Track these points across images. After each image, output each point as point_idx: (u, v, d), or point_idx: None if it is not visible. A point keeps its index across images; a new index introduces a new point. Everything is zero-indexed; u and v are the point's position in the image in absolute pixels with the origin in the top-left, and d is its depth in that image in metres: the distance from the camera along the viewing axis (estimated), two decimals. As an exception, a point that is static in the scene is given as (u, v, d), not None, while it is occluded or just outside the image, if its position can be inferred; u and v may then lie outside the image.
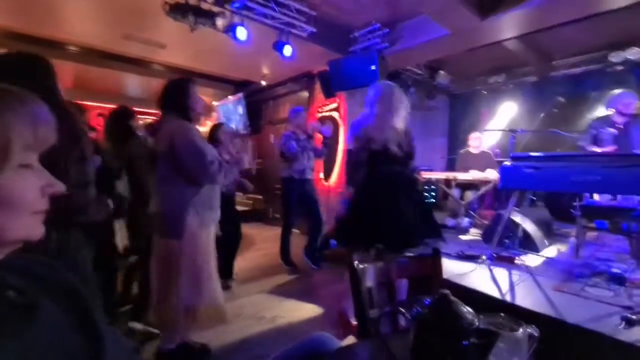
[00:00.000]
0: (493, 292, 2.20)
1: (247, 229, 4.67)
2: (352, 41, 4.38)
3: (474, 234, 4.06)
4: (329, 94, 4.86)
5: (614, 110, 3.38)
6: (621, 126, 3.34)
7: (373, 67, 4.11)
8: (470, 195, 4.46)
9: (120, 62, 5.11)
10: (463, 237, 3.93)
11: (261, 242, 4.79)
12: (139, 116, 2.47)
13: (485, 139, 5.15)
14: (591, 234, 3.60)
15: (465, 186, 4.55)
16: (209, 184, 1.67)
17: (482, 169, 4.41)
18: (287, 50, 3.63)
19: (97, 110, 7.11)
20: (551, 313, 1.88)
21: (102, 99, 7.05)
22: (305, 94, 5.48)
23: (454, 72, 5.91)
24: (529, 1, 3.12)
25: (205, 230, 1.69)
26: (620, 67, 4.73)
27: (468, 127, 5.71)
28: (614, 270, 2.45)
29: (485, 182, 4.31)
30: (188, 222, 1.59)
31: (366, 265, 1.03)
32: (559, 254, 3.09)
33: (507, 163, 2.83)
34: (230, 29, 3.11)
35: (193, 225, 1.61)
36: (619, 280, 2.31)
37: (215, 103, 7.17)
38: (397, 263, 1.11)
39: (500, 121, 5.78)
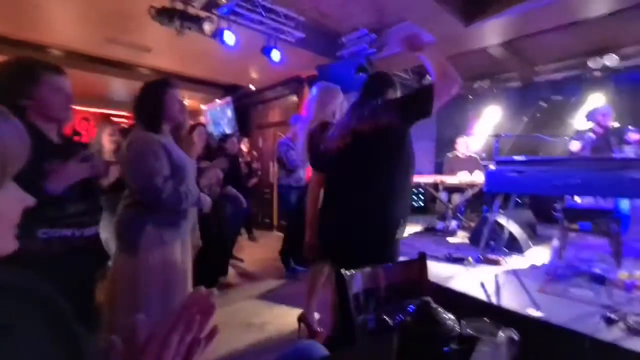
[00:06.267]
0: (479, 294, 2.23)
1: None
2: (340, 46, 4.42)
3: (461, 237, 4.12)
4: (318, 98, 4.88)
5: (593, 123, 3.52)
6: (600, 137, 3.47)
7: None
8: (457, 198, 4.53)
9: (105, 65, 5.04)
10: (451, 240, 3.98)
11: (250, 247, 4.76)
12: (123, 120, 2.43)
13: (472, 142, 5.25)
14: (574, 235, 3.71)
15: (452, 189, 4.62)
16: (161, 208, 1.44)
17: (469, 173, 4.49)
18: (276, 55, 3.64)
19: (82, 114, 7.02)
20: (535, 314, 1.91)
21: (86, 103, 6.93)
22: (295, 98, 5.49)
23: (441, 77, 6.02)
24: (511, 9, 3.21)
25: (168, 246, 1.47)
26: (598, 73, 4.90)
27: (455, 131, 5.80)
28: (595, 270, 2.52)
29: (472, 185, 4.39)
30: (145, 238, 1.40)
31: (353, 271, 1.04)
32: (543, 256, 3.16)
33: (492, 167, 2.89)
34: (218, 33, 3.10)
35: (151, 240, 1.42)
36: (599, 280, 2.37)
37: (203, 107, 7.12)
38: (384, 268, 1.12)
39: (485, 125, 5.90)
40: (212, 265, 2.95)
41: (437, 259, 3.05)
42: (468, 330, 0.61)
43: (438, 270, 2.73)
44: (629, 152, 2.79)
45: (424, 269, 1.21)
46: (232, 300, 2.96)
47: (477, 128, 5.94)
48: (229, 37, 3.15)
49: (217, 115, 6.75)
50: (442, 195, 4.62)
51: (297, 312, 2.68)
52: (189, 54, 4.62)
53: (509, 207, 3.54)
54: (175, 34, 3.02)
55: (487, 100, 6.01)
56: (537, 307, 2.00)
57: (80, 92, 6.85)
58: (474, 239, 3.51)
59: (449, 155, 5.00)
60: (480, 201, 5.48)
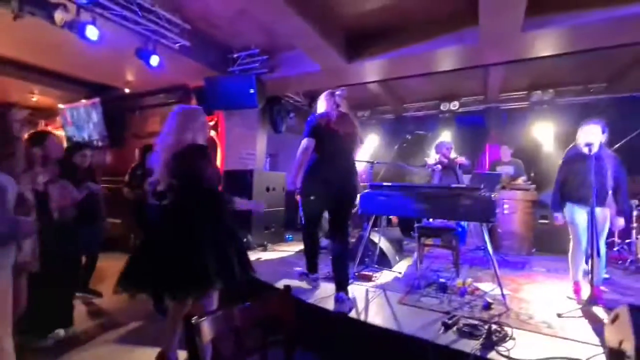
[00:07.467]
0: (351, 313, 2.38)
1: (99, 260, 3.89)
2: (231, 61, 4.32)
3: (343, 253, 4.40)
4: (206, 111, 4.60)
5: (439, 154, 4.35)
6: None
7: (252, 91, 4.12)
8: (340, 216, 4.86)
9: None
10: (333, 257, 4.20)
11: (115, 277, 4.02)
12: None
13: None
14: (431, 249, 4.40)
15: (336, 208, 4.94)
16: None
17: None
18: (154, 60, 3.28)
19: None
20: (394, 326, 2.14)
21: None
22: (180, 108, 5.05)
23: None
24: (383, 55, 3.73)
25: None
26: (447, 115, 6.10)
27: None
28: (441, 280, 3.01)
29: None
30: None
31: (203, 317, 0.94)
32: (406, 268, 3.62)
33: (367, 190, 3.21)
34: (76, 26, 2.61)
35: None
36: (443, 288, 2.84)
37: (61, 106, 5.88)
38: (241, 308, 1.05)
39: (366, 150, 6.60)
40: (50, 307, 2.35)
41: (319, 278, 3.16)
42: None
43: (318, 290, 2.82)
44: (463, 181, 3.50)
45: (287, 302, 1.20)
46: (82, 347, 2.41)
47: (358, 153, 6.58)
48: (92, 32, 2.68)
49: (80, 117, 5.65)
50: (327, 214, 4.88)
51: (163, 353, 2.36)
52: (38, 42, 3.76)
53: (381, 226, 3.97)
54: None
55: (367, 129, 6.76)
56: (396, 319, 2.25)
57: None
58: (352, 256, 3.78)
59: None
60: (361, 219, 6.03)
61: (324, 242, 4.76)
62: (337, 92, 2.76)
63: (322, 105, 2.77)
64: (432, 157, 4.57)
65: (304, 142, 2.56)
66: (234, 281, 1.79)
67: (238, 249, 1.91)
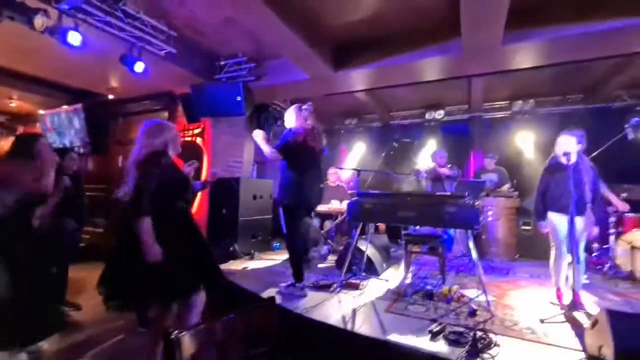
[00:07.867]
0: (338, 322, 2.35)
1: (78, 271, 3.75)
2: (218, 69, 4.30)
3: (331, 261, 4.38)
4: (192, 118, 4.57)
5: (435, 163, 4.44)
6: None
7: (238, 98, 4.10)
8: (328, 224, 4.86)
9: None
10: (321, 265, 4.17)
11: (94, 289, 3.89)
12: None
13: (343, 173, 5.81)
14: (418, 256, 4.42)
15: (324, 216, 4.94)
16: None
17: (339, 200, 4.91)
18: (139, 66, 3.24)
19: None
20: (381, 335, 2.13)
21: None
22: (165, 114, 4.99)
23: (317, 111, 6.53)
24: (370, 64, 3.78)
25: None
26: (433, 123, 6.21)
27: (329, 161, 6.33)
28: (427, 287, 3.03)
29: (341, 212, 4.79)
30: None
31: (183, 332, 0.91)
32: (394, 276, 3.63)
33: (354, 198, 3.22)
34: (58, 31, 2.55)
35: None
36: (430, 295, 2.85)
37: (41, 112, 5.72)
38: (224, 321, 1.03)
39: (353, 158, 6.65)
40: (22, 320, 2.24)
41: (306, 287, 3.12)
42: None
43: (304, 299, 2.79)
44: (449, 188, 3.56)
45: (271, 313, 1.18)
46: (55, 363, 2.31)
47: (347, 160, 6.63)
48: (74, 38, 2.63)
49: (62, 124, 5.50)
50: (315, 222, 4.87)
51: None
52: (18, 47, 3.67)
53: (368, 233, 3.97)
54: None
55: (355, 136, 6.82)
56: (383, 328, 2.24)
57: None
58: (340, 263, 3.77)
59: (321, 184, 5.38)
60: (349, 226, 6.03)
61: (313, 250, 4.74)
62: (304, 107, 2.91)
63: (291, 119, 2.93)
64: (425, 166, 4.66)
65: (274, 153, 2.79)
66: (195, 291, 1.81)
67: (204, 258, 1.91)
